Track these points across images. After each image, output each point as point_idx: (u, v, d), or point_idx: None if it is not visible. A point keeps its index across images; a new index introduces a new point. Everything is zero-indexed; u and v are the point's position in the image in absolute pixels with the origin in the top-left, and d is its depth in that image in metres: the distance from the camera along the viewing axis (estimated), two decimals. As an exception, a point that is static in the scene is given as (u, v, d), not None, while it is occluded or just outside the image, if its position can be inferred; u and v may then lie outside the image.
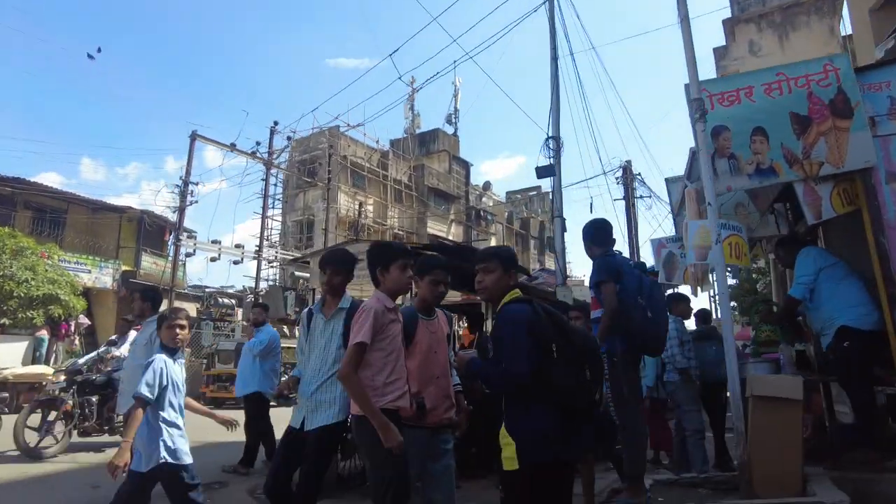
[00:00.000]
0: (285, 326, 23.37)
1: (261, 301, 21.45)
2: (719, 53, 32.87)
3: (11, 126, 75.37)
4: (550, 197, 9.44)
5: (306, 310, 3.70)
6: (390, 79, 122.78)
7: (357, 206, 30.31)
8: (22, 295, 13.91)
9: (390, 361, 2.90)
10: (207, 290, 21.44)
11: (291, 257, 24.80)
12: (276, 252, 23.63)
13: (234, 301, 20.28)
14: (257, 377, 6.34)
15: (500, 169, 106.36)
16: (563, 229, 9.79)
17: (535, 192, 55.58)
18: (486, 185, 44.42)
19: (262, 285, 24.02)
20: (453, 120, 43.13)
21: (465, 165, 41.83)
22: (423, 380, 3.23)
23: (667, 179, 7.26)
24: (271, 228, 31.08)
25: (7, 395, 13.67)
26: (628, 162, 22.52)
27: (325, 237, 25.71)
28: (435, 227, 37.11)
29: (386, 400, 2.82)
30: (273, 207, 31.13)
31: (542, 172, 8.88)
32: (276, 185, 31.04)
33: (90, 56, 15.43)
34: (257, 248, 21.80)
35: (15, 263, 14.35)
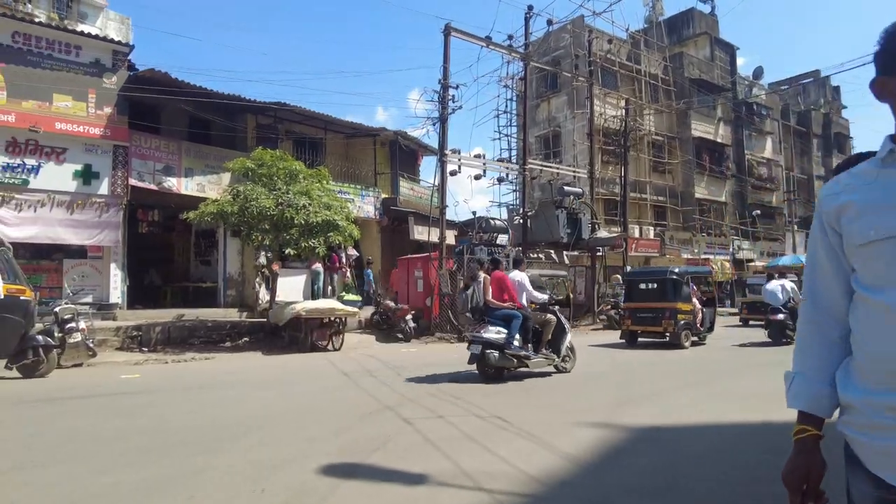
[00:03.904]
0: (552, 251, 20.19)
1: (529, 217, 18.46)
2: None
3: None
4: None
5: None
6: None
7: (608, 110, 25.47)
8: (302, 222, 12.38)
9: None
10: (477, 215, 18.57)
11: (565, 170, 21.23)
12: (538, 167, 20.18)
13: (504, 222, 17.51)
14: None
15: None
16: None
17: (811, 80, 44.12)
18: (758, 72, 35.61)
19: (496, 211, 21.10)
20: (710, -5, 34.83)
21: (730, 49, 33.77)
22: None
23: None
24: (511, 148, 28.01)
25: (302, 333, 12.68)
26: None
27: (590, 144, 21.47)
28: (700, 128, 30.58)
29: None
30: (510, 125, 27.87)
31: None
32: (511, 99, 27.58)
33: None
34: (520, 164, 18.55)
35: (291, 189, 12.90)
